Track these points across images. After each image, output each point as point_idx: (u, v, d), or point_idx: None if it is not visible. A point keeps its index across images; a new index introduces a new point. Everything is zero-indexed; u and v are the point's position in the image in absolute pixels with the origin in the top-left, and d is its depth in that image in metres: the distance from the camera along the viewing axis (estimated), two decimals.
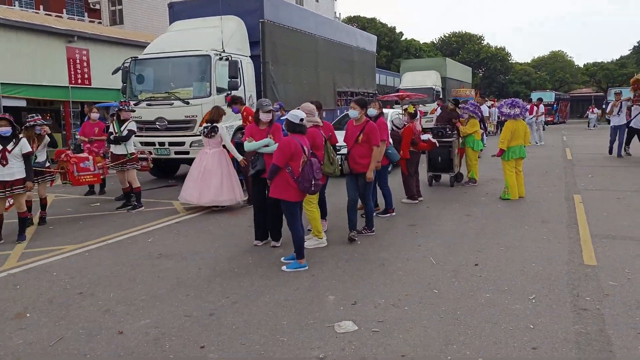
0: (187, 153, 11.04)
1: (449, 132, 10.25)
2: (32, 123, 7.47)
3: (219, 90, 11.01)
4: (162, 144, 11.20)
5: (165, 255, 6.07)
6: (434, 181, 10.78)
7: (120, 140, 8.53)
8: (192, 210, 8.57)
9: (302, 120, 5.38)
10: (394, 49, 50.91)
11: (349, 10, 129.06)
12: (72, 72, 18.30)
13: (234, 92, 11.16)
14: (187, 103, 10.87)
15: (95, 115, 10.32)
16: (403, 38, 54.29)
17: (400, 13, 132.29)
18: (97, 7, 34.07)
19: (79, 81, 18.50)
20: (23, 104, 16.99)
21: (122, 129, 8.60)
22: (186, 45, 11.43)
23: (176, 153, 11.18)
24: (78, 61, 18.52)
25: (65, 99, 18.29)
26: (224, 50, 11.27)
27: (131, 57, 11.84)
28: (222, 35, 11.28)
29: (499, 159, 9.03)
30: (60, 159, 7.82)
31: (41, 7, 31.67)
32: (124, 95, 11.76)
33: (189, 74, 11.38)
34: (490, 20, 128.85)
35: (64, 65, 18.04)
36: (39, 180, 7.57)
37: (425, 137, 9.88)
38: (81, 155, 8.03)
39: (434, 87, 25.83)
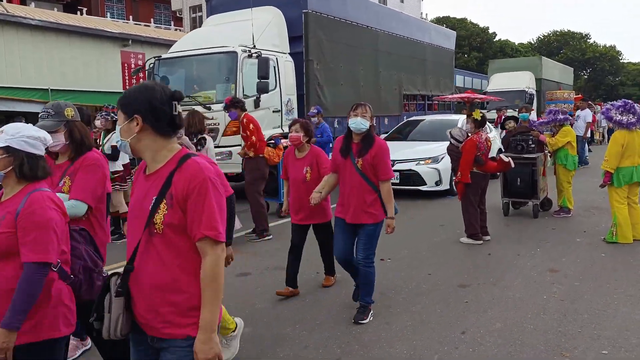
0: None
1: (532, 145, 7.68)
2: None
3: (247, 94, 9.24)
4: None
5: None
6: (511, 209, 8.22)
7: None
8: None
9: (47, 149, 2.43)
10: (486, 50, 47.21)
11: (437, 11, 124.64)
12: (127, 78, 17.52)
13: (263, 96, 9.40)
14: (209, 109, 9.14)
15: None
16: (497, 39, 50.36)
17: (494, 12, 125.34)
18: (182, 15, 34.35)
19: None
20: None
21: (104, 141, 7.03)
22: (213, 42, 9.77)
23: None
24: (133, 66, 17.69)
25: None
26: (254, 46, 9.48)
27: (154, 57, 10.42)
28: (252, 28, 9.50)
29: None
30: None
31: (131, 17, 32.38)
32: None
33: (213, 74, 9.73)
34: (596, 16, 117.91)
35: (119, 70, 17.29)
36: None
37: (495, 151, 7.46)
38: None
39: (526, 89, 22.52)
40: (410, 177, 9.61)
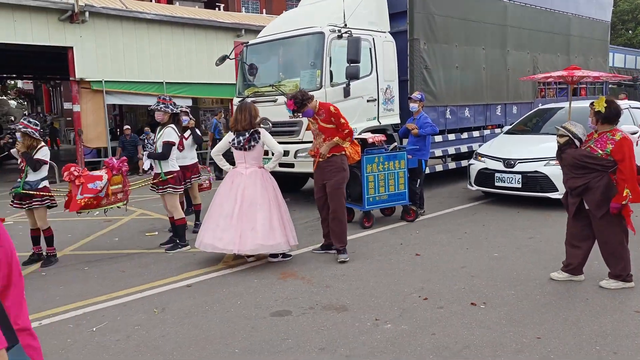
0: (292, 166, 8.30)
1: None
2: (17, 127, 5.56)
3: (336, 81, 7.98)
4: (265, 152, 8.65)
5: None
6: None
7: (154, 157, 6.14)
8: (239, 261, 5.75)
9: None
10: None
11: None
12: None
13: (355, 83, 8.08)
14: None
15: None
16: None
17: None
18: None
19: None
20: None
21: (158, 137, 6.20)
22: (301, 22, 8.66)
23: (280, 165, 8.49)
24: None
25: (233, 97, 17.30)
26: (345, 25, 8.15)
27: (243, 43, 9.62)
28: (343, 4, 8.17)
29: None
30: (63, 177, 5.77)
31: (264, 10, 32.91)
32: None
33: (299, 59, 8.61)
34: None
35: (232, 61, 16.97)
36: (26, 206, 5.66)
37: None
38: (95, 173, 5.88)
39: None
40: (537, 180, 7.58)
